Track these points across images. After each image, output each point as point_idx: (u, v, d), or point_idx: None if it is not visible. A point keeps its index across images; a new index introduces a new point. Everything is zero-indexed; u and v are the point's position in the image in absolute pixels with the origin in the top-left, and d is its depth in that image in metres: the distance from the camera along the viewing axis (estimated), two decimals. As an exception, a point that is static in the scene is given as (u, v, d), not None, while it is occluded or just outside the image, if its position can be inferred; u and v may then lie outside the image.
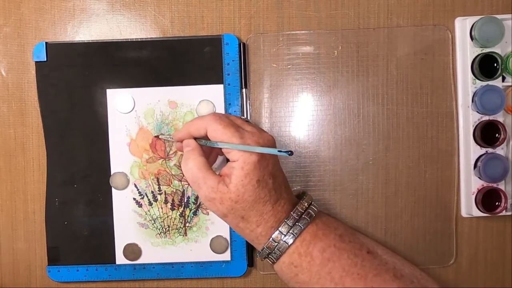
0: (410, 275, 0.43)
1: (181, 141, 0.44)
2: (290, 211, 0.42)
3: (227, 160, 0.42)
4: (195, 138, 0.43)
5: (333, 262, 0.41)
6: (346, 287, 0.40)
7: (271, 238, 0.41)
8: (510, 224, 0.50)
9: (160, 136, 0.49)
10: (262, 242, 0.42)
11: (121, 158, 0.49)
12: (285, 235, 0.41)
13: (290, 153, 0.39)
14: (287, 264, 0.42)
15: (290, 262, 0.42)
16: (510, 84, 0.48)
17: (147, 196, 0.50)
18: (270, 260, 0.43)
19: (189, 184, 0.49)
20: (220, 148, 0.42)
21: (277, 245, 0.41)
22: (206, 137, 0.43)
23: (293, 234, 0.41)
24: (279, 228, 0.41)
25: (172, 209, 0.50)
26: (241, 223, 0.42)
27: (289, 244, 0.41)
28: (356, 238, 0.44)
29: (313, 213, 0.42)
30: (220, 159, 0.48)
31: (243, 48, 0.49)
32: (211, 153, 0.46)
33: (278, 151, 0.39)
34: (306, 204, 0.43)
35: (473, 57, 0.47)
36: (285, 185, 0.44)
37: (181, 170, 0.49)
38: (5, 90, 0.50)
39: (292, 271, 0.42)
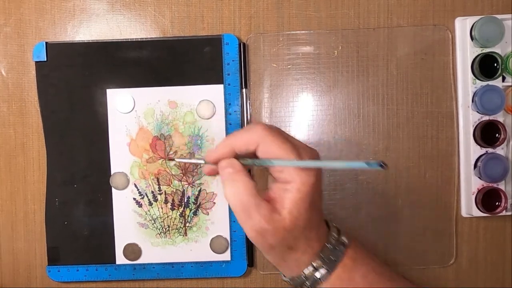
0: None
1: (216, 163, 0.38)
2: (327, 235, 0.38)
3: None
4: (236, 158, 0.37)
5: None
6: None
7: (313, 264, 0.37)
8: (510, 224, 0.50)
9: (176, 159, 0.44)
10: (302, 268, 0.37)
11: (121, 158, 0.49)
12: (327, 261, 0.37)
13: (383, 165, 0.30)
14: None
15: None
16: (510, 84, 0.48)
17: (147, 196, 0.50)
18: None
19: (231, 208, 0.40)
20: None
21: (318, 271, 0.37)
22: (251, 155, 0.37)
23: (335, 260, 0.37)
24: (321, 253, 0.37)
25: (172, 209, 0.50)
26: (287, 254, 0.37)
27: (331, 270, 0.37)
28: (382, 262, 0.41)
29: (346, 238, 0.39)
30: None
31: (243, 48, 0.49)
32: None
33: (366, 163, 0.31)
34: (337, 228, 0.39)
35: (473, 57, 0.47)
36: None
37: (181, 170, 0.49)
38: (5, 90, 0.50)
39: None
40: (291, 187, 0.35)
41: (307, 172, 0.35)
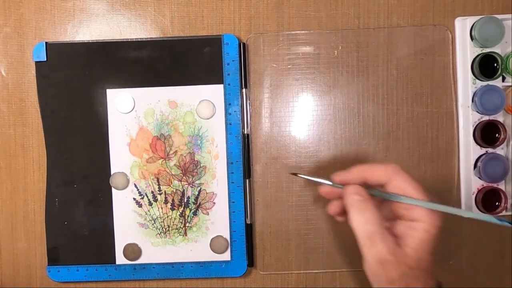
0: None
1: (342, 184, 0.39)
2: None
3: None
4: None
5: None
6: None
7: None
8: (510, 224, 0.50)
9: (299, 175, 0.43)
10: None
11: (121, 158, 0.49)
12: None
13: None
14: None
15: None
16: (510, 84, 0.48)
17: (147, 196, 0.50)
18: None
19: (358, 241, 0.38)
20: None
21: None
22: (378, 188, 0.38)
23: None
24: None
25: (172, 209, 0.50)
26: None
27: None
28: None
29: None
30: None
31: (243, 48, 0.49)
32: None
33: (499, 219, 0.33)
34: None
35: (473, 57, 0.47)
36: None
37: (181, 169, 0.49)
38: (5, 90, 0.50)
39: None
40: (418, 226, 0.35)
41: (436, 214, 0.36)
